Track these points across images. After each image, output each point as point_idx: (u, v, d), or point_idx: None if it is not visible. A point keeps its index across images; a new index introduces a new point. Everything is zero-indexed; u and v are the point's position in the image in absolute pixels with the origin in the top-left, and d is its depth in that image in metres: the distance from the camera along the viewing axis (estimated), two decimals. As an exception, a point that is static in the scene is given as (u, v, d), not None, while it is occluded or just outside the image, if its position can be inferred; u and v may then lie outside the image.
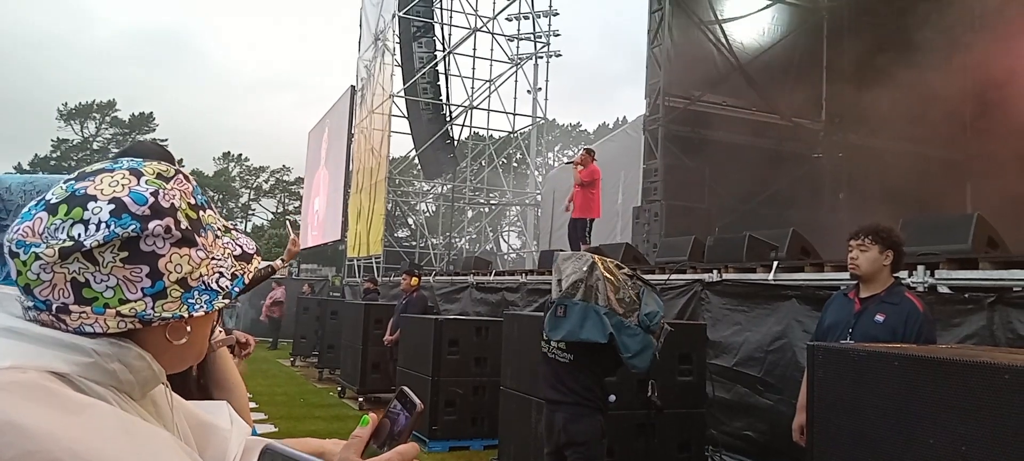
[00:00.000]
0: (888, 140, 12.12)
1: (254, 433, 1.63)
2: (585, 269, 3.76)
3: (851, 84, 11.72)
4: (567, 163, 9.92)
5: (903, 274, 4.45)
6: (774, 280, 5.58)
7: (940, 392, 2.23)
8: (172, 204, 0.88)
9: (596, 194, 9.77)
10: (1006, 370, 2.07)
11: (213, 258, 0.93)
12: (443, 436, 7.27)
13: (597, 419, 3.92)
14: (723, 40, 12.34)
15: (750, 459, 5.55)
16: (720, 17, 12.31)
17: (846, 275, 3.93)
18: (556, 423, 3.94)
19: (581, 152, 10.17)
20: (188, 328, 0.92)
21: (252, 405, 9.26)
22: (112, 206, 0.85)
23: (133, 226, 0.85)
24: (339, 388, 10.82)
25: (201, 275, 0.91)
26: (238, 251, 0.98)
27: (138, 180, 0.88)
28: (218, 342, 1.96)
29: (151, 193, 0.87)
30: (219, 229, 0.97)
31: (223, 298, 0.93)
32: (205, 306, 0.91)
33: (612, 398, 4.05)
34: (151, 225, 0.86)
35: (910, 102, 11.08)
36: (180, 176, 0.93)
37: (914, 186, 11.02)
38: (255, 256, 1.00)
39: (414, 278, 9.18)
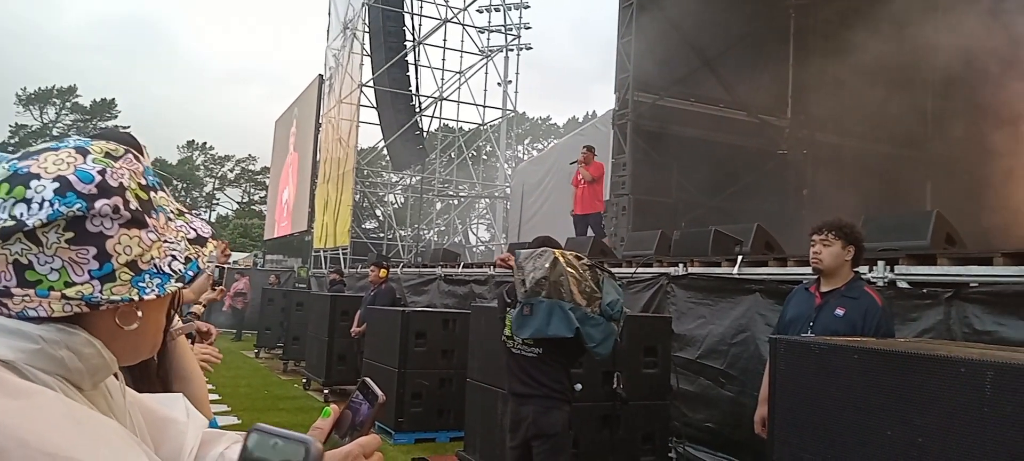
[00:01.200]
0: (851, 138, 12.34)
1: (214, 425, 1.60)
2: (548, 265, 3.76)
3: (816, 82, 11.90)
4: (572, 163, 9.97)
5: (863, 269, 4.54)
6: (738, 274, 5.65)
7: (898, 385, 2.27)
8: (120, 183, 0.85)
9: (600, 189, 9.88)
10: (962, 364, 2.11)
11: (165, 241, 0.90)
12: (409, 428, 7.24)
13: (565, 411, 3.95)
14: (692, 36, 12.43)
15: (712, 450, 5.62)
16: (689, 13, 12.38)
17: (809, 270, 3.98)
18: (525, 416, 3.95)
19: (583, 150, 10.20)
20: (139, 313, 0.89)
21: (214, 397, 9.14)
22: (57, 184, 0.81)
23: (79, 205, 0.81)
24: (304, 380, 10.72)
25: (152, 258, 0.88)
26: (192, 234, 0.95)
27: (85, 158, 0.85)
28: (176, 331, 1.92)
29: (98, 171, 0.84)
30: (172, 212, 0.94)
31: (176, 282, 0.90)
32: (156, 290, 0.88)
33: (578, 387, 4.08)
34: (98, 204, 0.82)
35: (873, 101, 11.29)
36: (130, 155, 0.89)
37: (876, 183, 11.25)
38: (210, 240, 0.97)
39: (382, 270, 9.12)
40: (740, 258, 5.75)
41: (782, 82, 13.14)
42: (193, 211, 1.01)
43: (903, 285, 4.45)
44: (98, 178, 0.83)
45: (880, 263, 4.55)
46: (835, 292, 3.63)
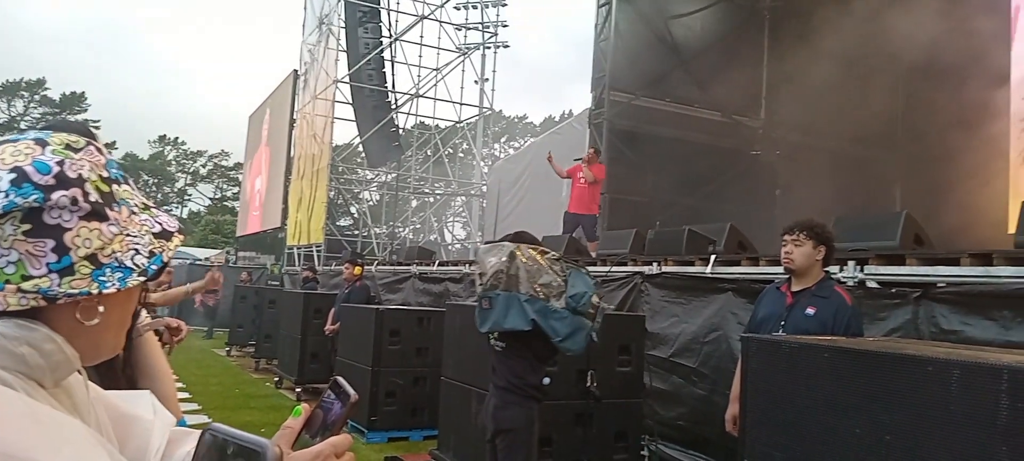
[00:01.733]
0: (823, 139, 12.49)
1: (183, 424, 1.57)
2: (505, 259, 3.75)
3: (789, 84, 12.02)
4: (577, 160, 9.98)
5: (834, 269, 4.60)
6: (711, 273, 5.69)
7: (867, 383, 2.30)
8: (79, 175, 0.83)
9: (598, 191, 9.91)
10: (929, 362, 2.14)
11: (128, 234, 0.88)
12: (382, 426, 7.20)
13: (526, 407, 3.88)
14: (668, 37, 12.51)
15: (684, 448, 5.66)
16: (665, 14, 12.47)
17: (780, 269, 4.02)
18: (487, 407, 3.96)
19: (590, 150, 10.22)
20: (100, 308, 0.87)
21: (185, 395, 9.03)
22: (13, 175, 0.80)
23: (35, 196, 0.80)
24: (276, 378, 10.62)
25: (114, 251, 0.86)
26: (157, 228, 0.93)
27: (43, 149, 0.83)
28: (143, 327, 1.89)
29: (56, 162, 0.82)
30: (137, 205, 0.92)
31: (138, 276, 0.88)
32: (117, 283, 0.86)
33: (546, 380, 4.02)
34: (55, 196, 0.81)
35: (845, 103, 11.46)
36: (91, 147, 0.87)
37: (847, 184, 11.41)
38: (176, 234, 0.95)
39: (357, 267, 9.06)
40: (713, 257, 5.79)
41: (756, 83, 13.27)
42: (163, 207, 1.00)
43: (873, 285, 4.52)
44: (56, 169, 0.82)
45: (851, 263, 4.61)
46: (806, 292, 3.68)
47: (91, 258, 0.84)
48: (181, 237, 0.96)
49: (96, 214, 0.84)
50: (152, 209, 0.95)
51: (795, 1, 12.64)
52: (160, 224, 0.94)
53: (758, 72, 13.27)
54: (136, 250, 0.88)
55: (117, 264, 0.86)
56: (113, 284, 0.85)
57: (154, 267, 0.90)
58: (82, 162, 0.85)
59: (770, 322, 3.70)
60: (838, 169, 11.96)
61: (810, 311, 3.58)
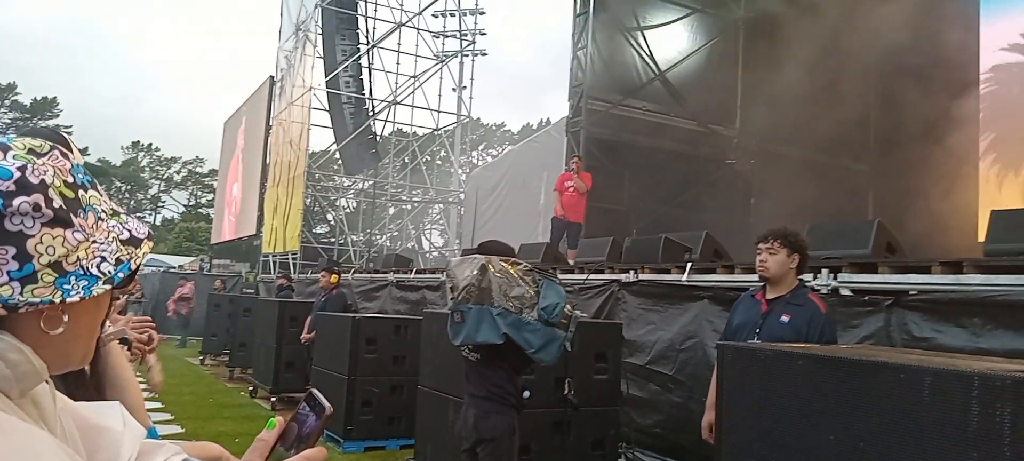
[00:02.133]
0: (797, 148, 12.64)
1: (153, 434, 1.54)
2: (476, 273, 3.74)
3: (764, 94, 12.17)
4: (569, 168, 10.01)
5: (808, 276, 4.64)
6: (687, 281, 5.72)
7: (840, 391, 2.33)
8: (42, 180, 0.81)
9: (585, 200, 9.94)
10: (901, 369, 2.17)
11: (94, 241, 0.86)
12: (358, 436, 7.14)
13: (508, 416, 3.89)
14: (644, 47, 12.61)
15: (660, 455, 5.67)
16: (641, 24, 12.57)
17: (755, 277, 4.06)
18: (468, 419, 3.93)
19: (576, 159, 10.24)
20: (65, 317, 0.85)
21: (157, 405, 8.89)
22: None
23: None
24: (251, 388, 10.50)
25: (78, 259, 0.84)
26: (125, 235, 0.91)
27: (4, 154, 0.81)
28: (108, 336, 1.85)
29: (18, 168, 0.80)
30: (104, 211, 0.90)
31: (104, 284, 0.86)
32: (82, 292, 0.83)
33: (527, 394, 4.05)
34: (16, 202, 0.79)
35: (818, 114, 11.60)
36: (56, 152, 0.85)
37: (821, 193, 11.55)
38: (145, 241, 0.93)
39: (334, 275, 8.98)
40: (689, 265, 5.83)
41: (730, 93, 13.42)
42: (136, 214, 0.98)
43: (846, 292, 4.57)
44: (17, 175, 0.80)
45: (824, 271, 4.66)
46: (780, 299, 3.70)
47: (55, 266, 0.82)
48: (150, 244, 0.94)
49: (60, 220, 0.82)
50: (121, 215, 0.93)
51: (768, 13, 12.80)
52: (128, 231, 0.91)
53: (732, 82, 13.42)
54: (102, 257, 0.86)
55: (82, 272, 0.84)
56: (77, 292, 0.83)
57: (121, 275, 0.88)
58: (46, 167, 0.83)
59: (745, 330, 3.73)
60: (811, 178, 12.10)
61: (785, 319, 3.61)
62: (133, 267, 0.89)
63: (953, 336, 3.88)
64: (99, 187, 0.91)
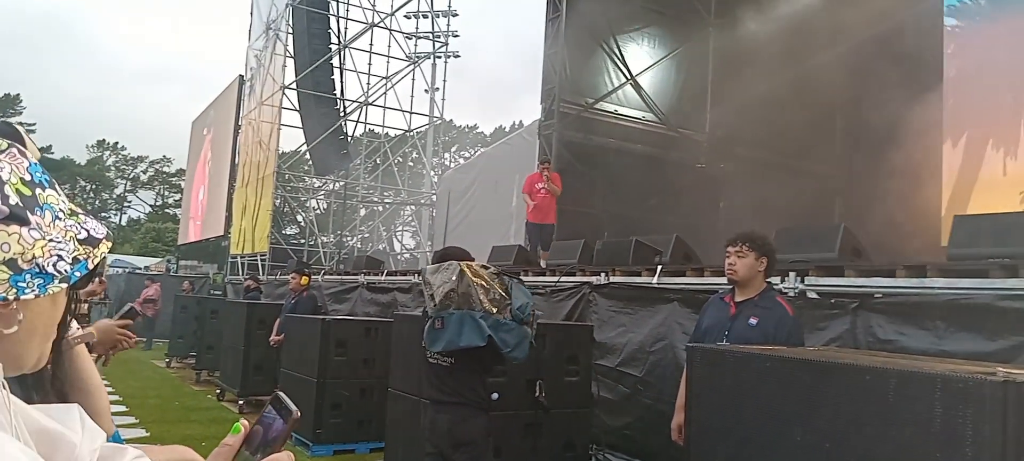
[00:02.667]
0: (766, 153, 12.81)
1: (116, 439, 1.50)
2: (454, 278, 3.78)
3: (733, 99, 12.31)
4: (541, 169, 9.96)
5: (775, 279, 4.70)
6: (658, 284, 5.76)
7: (807, 392, 2.35)
8: None
9: (555, 201, 9.93)
10: (867, 371, 2.20)
11: (51, 240, 0.84)
12: (328, 440, 7.07)
13: (482, 419, 3.94)
14: (616, 51, 12.69)
15: (631, 457, 5.70)
16: (613, 29, 12.64)
17: (724, 280, 4.09)
18: (440, 425, 3.92)
19: (547, 162, 10.22)
20: (20, 315, 0.83)
21: (122, 409, 8.72)
22: None
23: None
24: (218, 391, 10.36)
25: (34, 257, 0.82)
26: (83, 234, 0.89)
27: None
28: (73, 339, 1.81)
29: None
30: (63, 210, 0.88)
31: (60, 282, 0.84)
32: (37, 290, 0.82)
33: (495, 396, 4.08)
34: None
35: (786, 119, 11.78)
36: (13, 150, 0.84)
37: (789, 197, 11.71)
38: (103, 241, 0.91)
39: (303, 277, 8.89)
40: (659, 268, 5.87)
41: (701, 97, 13.54)
42: (101, 213, 0.95)
43: (812, 295, 4.63)
44: None
45: (792, 274, 4.72)
46: (749, 302, 3.74)
47: (9, 263, 0.80)
48: (108, 244, 0.92)
49: (16, 218, 0.81)
50: (79, 215, 0.91)
51: (739, 19, 12.96)
52: (87, 230, 0.90)
53: (702, 87, 13.55)
54: (59, 256, 0.85)
55: (38, 270, 0.83)
56: (32, 291, 0.82)
57: (78, 274, 0.86)
58: (2, 164, 0.81)
59: (714, 332, 3.76)
60: (779, 182, 12.27)
61: (753, 321, 3.65)
62: (90, 266, 0.88)
63: (917, 338, 3.95)
64: (57, 186, 0.90)
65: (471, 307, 3.75)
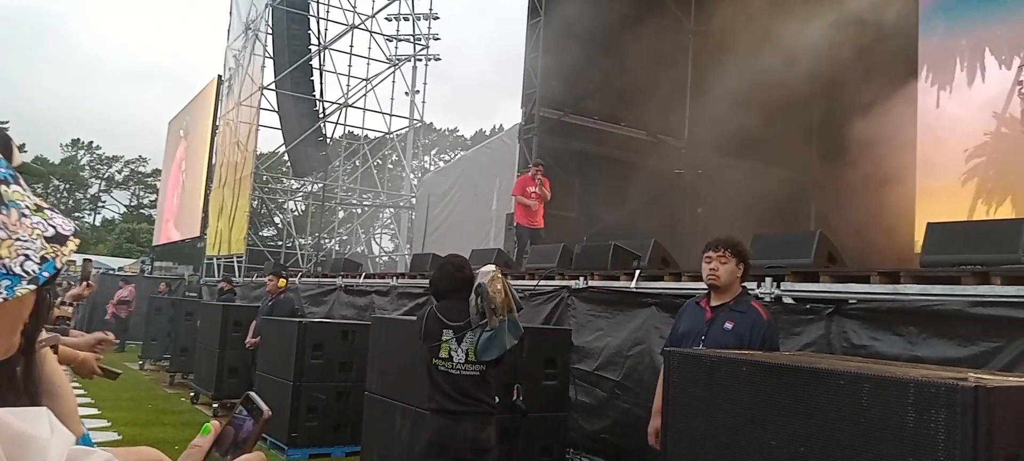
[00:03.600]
0: (743, 159, 12.92)
1: (86, 441, 1.47)
2: (500, 285, 3.84)
3: (712, 107, 12.39)
4: (533, 172, 9.94)
5: (752, 285, 4.74)
6: (636, 288, 5.78)
7: (782, 396, 2.37)
8: None
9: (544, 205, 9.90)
10: (841, 376, 2.22)
11: (17, 239, 0.82)
12: (303, 443, 7.01)
13: (495, 425, 4.06)
14: (596, 56, 12.73)
15: (607, 460, 5.71)
16: (594, 34, 12.68)
17: (702, 285, 4.12)
18: (462, 433, 3.92)
19: (541, 165, 10.16)
20: None
21: (93, 411, 8.58)
22: None
23: None
24: (192, 393, 10.23)
25: (0, 258, 0.80)
26: (50, 232, 0.87)
27: None
28: (41, 341, 1.77)
29: None
30: (28, 207, 0.85)
31: (28, 283, 0.81)
32: (4, 292, 0.79)
33: (496, 399, 4.13)
34: None
35: (764, 127, 11.89)
36: None
37: (765, 203, 11.82)
38: (71, 238, 0.89)
39: (280, 279, 8.82)
40: (638, 273, 5.88)
41: (680, 104, 13.62)
42: (74, 214, 0.93)
43: (788, 301, 4.67)
44: None
45: (768, 279, 4.75)
46: (724, 306, 3.77)
47: None
48: (77, 241, 0.89)
49: None
50: (45, 211, 0.88)
51: (717, 27, 13.06)
52: (54, 227, 0.87)
53: (681, 93, 13.63)
54: (26, 255, 0.82)
55: (5, 271, 0.80)
56: (0, 294, 0.79)
57: (46, 274, 0.84)
58: None
59: (691, 336, 3.78)
60: (757, 188, 12.38)
61: (728, 326, 3.68)
62: (59, 265, 0.85)
63: (890, 344, 3.99)
64: (21, 182, 0.87)
65: (511, 312, 3.88)
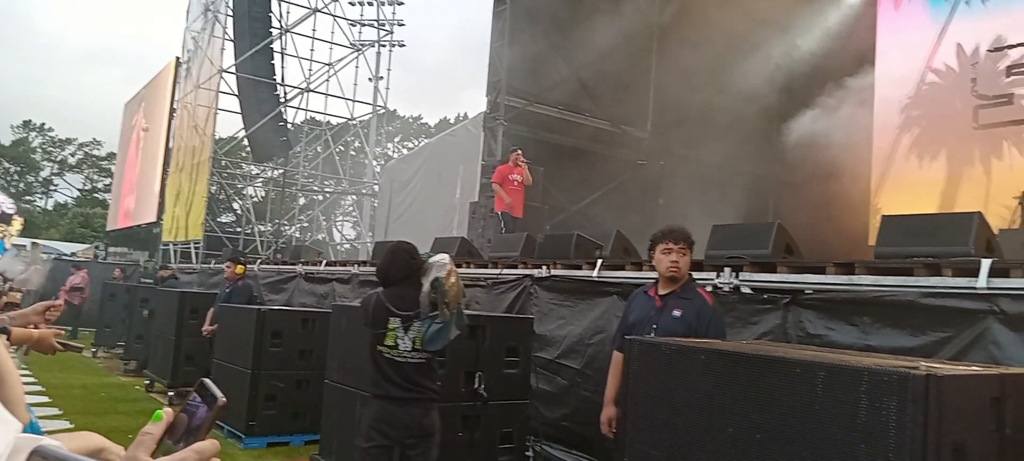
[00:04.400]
0: (704, 153, 13.07)
1: (34, 429, 1.43)
2: (454, 279, 3.83)
3: (675, 99, 12.50)
4: (513, 159, 9.83)
5: (711, 274, 4.81)
6: (598, 277, 5.82)
7: (740, 385, 2.40)
8: None
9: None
10: (796, 365, 2.26)
11: None
12: (261, 432, 6.92)
13: (437, 410, 4.06)
14: (562, 45, 12.73)
15: (567, 448, 5.74)
16: (559, 23, 12.69)
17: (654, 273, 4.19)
18: (406, 418, 3.92)
19: (518, 151, 10.04)
20: None
21: (44, 399, 8.36)
22: None
23: None
24: (147, 381, 10.03)
25: None
26: None
27: None
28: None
29: None
30: None
31: None
32: None
33: (438, 385, 4.16)
34: None
35: (725, 120, 12.04)
36: None
37: (725, 195, 11.98)
38: (14, 217, 0.85)
39: (239, 266, 8.69)
40: (600, 262, 5.92)
41: (644, 96, 13.71)
42: (25, 198, 0.89)
43: (746, 291, 4.74)
44: None
45: (727, 269, 4.82)
46: (672, 295, 3.85)
47: None
48: (21, 220, 0.86)
49: None
50: None
51: (683, 20, 13.15)
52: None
53: (646, 85, 13.72)
54: None
55: None
56: None
57: None
58: None
59: (641, 325, 3.83)
60: (717, 180, 12.55)
61: (677, 313, 3.76)
62: (7, 246, 0.82)
63: (844, 333, 4.08)
64: None
65: (460, 301, 3.88)
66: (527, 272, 6.51)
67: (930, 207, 8.56)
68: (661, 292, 3.90)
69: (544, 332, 6.00)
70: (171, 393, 9.11)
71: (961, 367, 2.42)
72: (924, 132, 9.03)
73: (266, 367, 7.01)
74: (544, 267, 6.37)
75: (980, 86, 8.49)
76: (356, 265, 9.49)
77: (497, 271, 6.89)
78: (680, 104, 12.28)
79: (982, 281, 3.55)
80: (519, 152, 10.05)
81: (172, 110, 20.87)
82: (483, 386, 5.01)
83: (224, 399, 0.94)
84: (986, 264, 3.57)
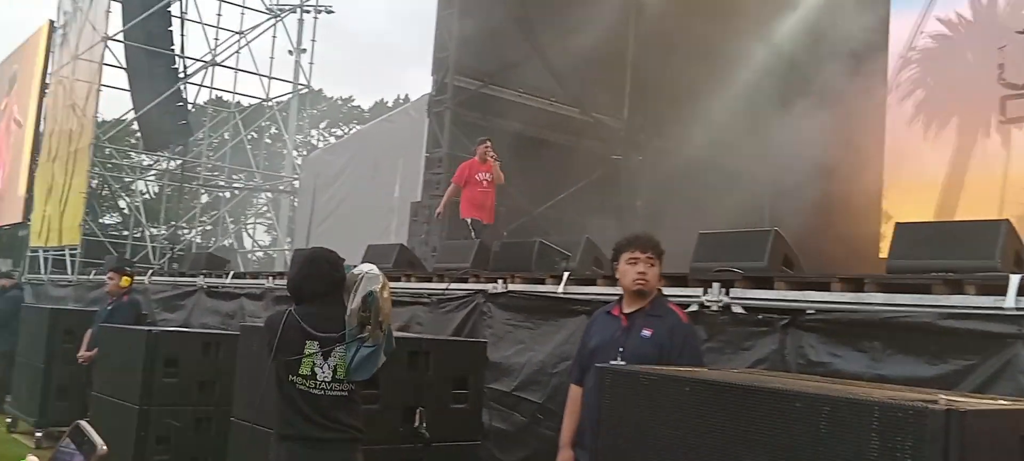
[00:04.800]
0: (690, 147, 13.22)
1: None
2: (387, 294, 3.84)
3: (656, 84, 12.66)
4: (482, 152, 9.64)
5: (698, 291, 4.85)
6: (564, 293, 5.82)
7: (730, 420, 2.42)
8: None
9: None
10: (797, 397, 2.28)
11: None
12: (151, 482, 6.79)
13: (360, 452, 4.02)
14: (524, 18, 12.77)
15: (527, 499, 5.74)
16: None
17: (617, 289, 4.21)
18: None
19: (487, 143, 9.82)
20: None
21: None
22: None
23: None
24: (9, 420, 9.85)
25: None
26: None
27: None
28: None
29: None
30: None
31: None
32: None
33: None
34: None
35: (714, 108, 12.19)
36: None
37: (714, 198, 12.14)
38: None
39: (124, 277, 8.56)
40: (566, 275, 5.93)
41: (619, 80, 13.83)
42: None
43: (738, 310, 4.78)
44: None
45: (715, 285, 4.86)
46: (640, 312, 3.87)
47: None
48: None
49: None
50: None
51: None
52: None
53: (622, 65, 13.84)
54: None
55: None
56: None
57: None
58: None
59: (606, 350, 3.84)
60: (704, 180, 12.70)
61: (647, 333, 3.79)
62: None
63: (851, 361, 4.14)
64: None
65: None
66: (479, 287, 6.50)
67: (950, 213, 8.78)
68: (627, 310, 3.92)
69: (499, 359, 5.99)
70: (39, 433, 8.97)
71: (986, 400, 2.47)
72: (944, 125, 9.28)
73: (158, 402, 6.87)
74: (500, 281, 6.37)
75: (1008, 74, 8.75)
76: (271, 277, 9.39)
77: (443, 285, 6.86)
78: (661, 88, 12.43)
79: (1011, 300, 3.61)
80: (488, 145, 9.85)
81: (43, 86, 20.42)
82: (425, 425, 4.97)
83: (104, 448, 0.93)
84: (1015, 280, 3.63)
